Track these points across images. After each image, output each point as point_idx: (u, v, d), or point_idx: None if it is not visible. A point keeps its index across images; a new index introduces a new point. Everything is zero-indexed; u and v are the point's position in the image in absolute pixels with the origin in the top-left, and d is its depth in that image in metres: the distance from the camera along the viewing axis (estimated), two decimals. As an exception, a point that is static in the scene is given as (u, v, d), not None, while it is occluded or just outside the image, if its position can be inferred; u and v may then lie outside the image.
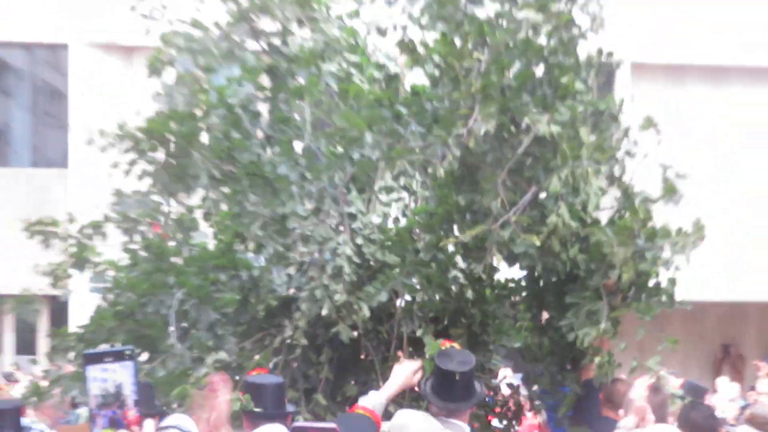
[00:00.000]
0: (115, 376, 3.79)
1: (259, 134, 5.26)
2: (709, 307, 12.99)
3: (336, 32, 5.57)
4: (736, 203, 13.67)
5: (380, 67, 5.37)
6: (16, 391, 8.95)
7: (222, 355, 4.69)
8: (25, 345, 15.04)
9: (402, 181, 5.18)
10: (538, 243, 4.38)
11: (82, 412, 6.86)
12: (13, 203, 13.77)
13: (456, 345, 4.25)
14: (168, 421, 4.25)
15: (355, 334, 4.87)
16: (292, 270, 4.81)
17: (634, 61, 12.85)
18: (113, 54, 15.38)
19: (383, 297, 4.70)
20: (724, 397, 9.56)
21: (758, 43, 13.96)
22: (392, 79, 5.29)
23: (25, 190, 14.59)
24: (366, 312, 4.67)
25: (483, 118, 4.28)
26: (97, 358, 3.97)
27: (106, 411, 3.79)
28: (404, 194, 5.20)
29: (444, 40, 4.58)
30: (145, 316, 5.23)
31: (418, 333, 4.83)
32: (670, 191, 4.70)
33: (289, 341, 5.00)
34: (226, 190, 5.12)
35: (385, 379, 4.49)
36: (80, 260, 5.35)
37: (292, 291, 4.85)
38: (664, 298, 4.83)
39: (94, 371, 3.83)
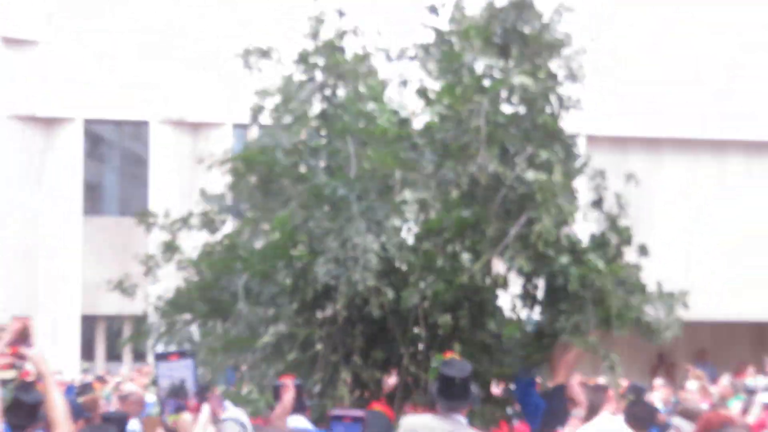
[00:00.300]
0: (179, 372, 4.28)
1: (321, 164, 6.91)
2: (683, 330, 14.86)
3: (364, 86, 7.21)
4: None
5: (395, 112, 6.82)
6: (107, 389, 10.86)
7: (280, 327, 6.13)
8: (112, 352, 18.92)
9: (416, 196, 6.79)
10: (526, 268, 5.69)
11: (154, 404, 8.03)
12: (105, 242, 17.92)
13: (456, 356, 5.10)
14: (227, 414, 4.80)
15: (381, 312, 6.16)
16: (331, 264, 6.42)
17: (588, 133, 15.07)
18: (184, 128, 18.97)
19: (415, 299, 5.92)
20: (660, 395, 10.81)
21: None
22: (404, 122, 6.72)
23: (115, 232, 18.14)
24: (390, 295, 6.01)
25: (489, 159, 5.87)
26: (165, 357, 4.57)
27: (173, 400, 4.22)
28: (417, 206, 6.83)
29: (449, 88, 5.93)
30: (219, 291, 6.60)
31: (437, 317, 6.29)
32: (642, 251, 6.20)
33: (330, 317, 6.42)
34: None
35: (405, 346, 6.11)
36: (170, 247, 7.07)
37: (332, 281, 6.49)
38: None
39: (162, 368, 4.39)
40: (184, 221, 7.10)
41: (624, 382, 8.06)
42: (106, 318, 18.50)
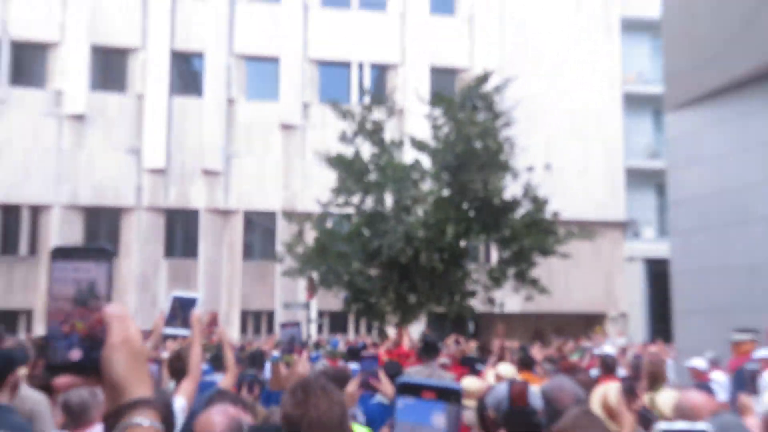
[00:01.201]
0: (291, 331, 4.52)
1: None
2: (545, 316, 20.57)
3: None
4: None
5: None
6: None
7: (356, 265, 14.23)
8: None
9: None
10: (484, 239, 14.71)
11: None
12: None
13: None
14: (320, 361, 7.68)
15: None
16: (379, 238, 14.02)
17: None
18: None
19: (423, 257, 13.94)
20: (537, 352, 14.29)
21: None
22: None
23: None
24: (409, 253, 13.66)
25: (466, 177, 14.02)
26: (284, 326, 4.74)
27: (287, 348, 4.53)
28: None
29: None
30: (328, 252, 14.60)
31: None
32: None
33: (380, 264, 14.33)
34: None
35: (422, 278, 14.01)
36: (322, 234, 15.42)
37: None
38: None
39: (283, 332, 4.63)
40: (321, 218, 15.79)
41: (516, 344, 13.42)
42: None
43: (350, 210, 15.92)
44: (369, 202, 15.31)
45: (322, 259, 14.58)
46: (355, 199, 15.43)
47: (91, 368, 1.02)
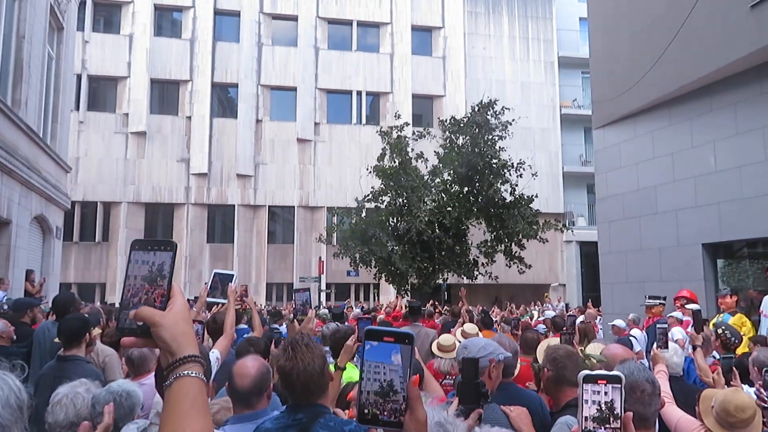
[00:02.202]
0: (302, 298, 4.31)
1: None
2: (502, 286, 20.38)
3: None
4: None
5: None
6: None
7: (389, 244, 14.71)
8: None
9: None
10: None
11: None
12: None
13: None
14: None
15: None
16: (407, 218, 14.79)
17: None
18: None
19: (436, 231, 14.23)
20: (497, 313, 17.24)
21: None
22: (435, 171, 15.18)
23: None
24: (431, 231, 14.50)
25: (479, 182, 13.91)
26: (298, 291, 4.47)
27: (300, 309, 4.30)
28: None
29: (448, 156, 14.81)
30: (369, 238, 14.97)
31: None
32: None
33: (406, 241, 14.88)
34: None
35: (439, 252, 14.34)
36: (360, 222, 15.72)
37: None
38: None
39: (297, 296, 4.43)
40: (359, 208, 16.16)
41: (479, 308, 13.65)
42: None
43: (379, 204, 16.28)
44: (397, 198, 15.90)
45: (362, 240, 14.91)
46: (386, 197, 16.02)
47: (149, 332, 1.03)
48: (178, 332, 1.02)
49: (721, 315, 7.86)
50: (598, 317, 13.29)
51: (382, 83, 26.62)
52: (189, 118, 24.75)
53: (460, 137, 15.69)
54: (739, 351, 4.90)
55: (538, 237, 15.47)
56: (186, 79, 24.93)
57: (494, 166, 15.03)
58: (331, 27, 26.80)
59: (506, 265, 16.17)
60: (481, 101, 16.10)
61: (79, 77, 22.99)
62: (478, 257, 15.89)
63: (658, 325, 4.09)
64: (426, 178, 15.49)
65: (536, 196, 16.07)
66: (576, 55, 27.05)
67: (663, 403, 2.37)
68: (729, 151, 10.55)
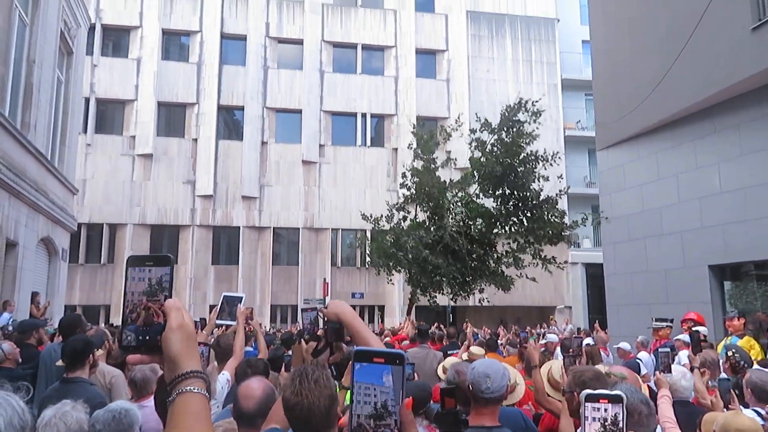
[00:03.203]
0: (308, 317, 3.99)
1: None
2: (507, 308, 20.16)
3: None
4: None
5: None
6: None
7: (424, 253, 14.47)
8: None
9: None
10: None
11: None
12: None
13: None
14: None
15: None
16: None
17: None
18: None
19: (465, 241, 14.00)
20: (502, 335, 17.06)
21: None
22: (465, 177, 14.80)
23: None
24: (461, 241, 14.09)
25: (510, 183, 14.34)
26: (305, 310, 3.82)
27: (309, 330, 3.66)
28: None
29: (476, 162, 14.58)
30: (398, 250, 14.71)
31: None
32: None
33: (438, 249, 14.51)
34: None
35: (471, 262, 14.07)
36: (393, 231, 15.48)
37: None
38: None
39: (303, 315, 3.53)
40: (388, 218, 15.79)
41: (487, 331, 13.55)
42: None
43: (406, 213, 16.21)
44: (425, 207, 15.80)
45: (398, 249, 14.79)
46: (411, 208, 16.08)
47: (154, 347, 1.04)
48: (183, 346, 1.03)
49: (729, 338, 7.79)
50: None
51: (387, 105, 26.83)
52: (195, 140, 24.96)
53: (489, 137, 15.31)
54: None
55: (564, 234, 14.99)
56: (192, 101, 25.21)
57: (527, 159, 14.69)
58: (336, 50, 27.13)
59: (516, 275, 15.75)
60: (512, 104, 15.63)
61: (87, 100, 23.27)
62: (509, 265, 15.28)
63: (660, 349, 4.06)
64: (448, 193, 15.18)
65: (565, 192, 15.58)
66: (579, 78, 27.25)
67: (657, 421, 2.36)
68: (733, 172, 10.56)
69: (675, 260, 11.76)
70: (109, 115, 25.01)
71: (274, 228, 25.00)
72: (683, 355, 6.13)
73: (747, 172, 10.29)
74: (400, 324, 13.18)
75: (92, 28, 22.52)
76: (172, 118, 25.45)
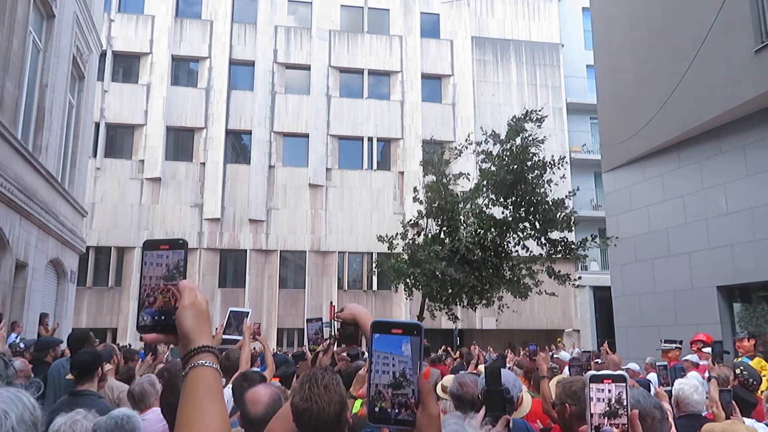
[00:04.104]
0: (314, 328, 4.22)
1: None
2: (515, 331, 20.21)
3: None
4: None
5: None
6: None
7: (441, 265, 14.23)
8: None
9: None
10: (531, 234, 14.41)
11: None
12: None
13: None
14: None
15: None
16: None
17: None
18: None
19: (478, 252, 13.95)
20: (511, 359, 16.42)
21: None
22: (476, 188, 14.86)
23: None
24: (476, 252, 14.09)
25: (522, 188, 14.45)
26: (311, 321, 4.20)
27: (313, 340, 4.12)
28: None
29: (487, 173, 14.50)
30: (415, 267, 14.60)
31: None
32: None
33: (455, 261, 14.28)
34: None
35: (486, 271, 13.92)
36: (410, 246, 15.47)
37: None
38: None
39: (308, 327, 4.16)
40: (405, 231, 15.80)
41: (490, 351, 13.45)
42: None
43: (420, 228, 16.22)
44: (438, 221, 15.74)
45: (416, 263, 14.73)
46: (424, 222, 16.10)
47: (169, 327, 1.08)
48: (195, 323, 1.07)
49: (740, 358, 7.72)
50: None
51: (393, 129, 27.06)
52: (203, 164, 25.20)
53: (498, 148, 15.38)
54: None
55: (572, 226, 14.83)
56: (201, 126, 25.53)
57: (536, 165, 14.71)
58: (343, 75, 27.49)
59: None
60: (517, 115, 15.73)
61: (97, 125, 23.61)
62: (523, 276, 15.14)
63: (657, 364, 4.07)
64: (460, 206, 15.18)
65: (574, 193, 15.40)
66: (584, 101, 27.45)
67: (671, 426, 2.35)
68: (740, 193, 10.56)
69: (683, 281, 11.70)
70: (118, 140, 25.34)
71: (280, 251, 25.05)
72: (691, 376, 6.09)
73: (754, 192, 10.29)
74: None
75: (103, 55, 22.96)
76: (180, 142, 25.75)
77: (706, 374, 5.63)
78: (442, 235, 15.29)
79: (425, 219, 15.93)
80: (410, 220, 16.39)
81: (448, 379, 4.99)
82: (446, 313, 15.52)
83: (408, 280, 15.17)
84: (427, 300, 15.42)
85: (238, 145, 26.50)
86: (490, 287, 14.82)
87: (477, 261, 14.27)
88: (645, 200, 12.99)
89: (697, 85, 10.97)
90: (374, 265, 18.22)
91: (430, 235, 15.60)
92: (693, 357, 7.38)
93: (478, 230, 14.36)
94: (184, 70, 26.55)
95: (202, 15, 26.69)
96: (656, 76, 12.28)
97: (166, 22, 25.83)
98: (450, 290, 14.78)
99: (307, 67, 26.79)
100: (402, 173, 26.34)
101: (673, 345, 8.48)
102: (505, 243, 14.74)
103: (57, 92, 11.58)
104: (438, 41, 28.40)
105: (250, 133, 25.74)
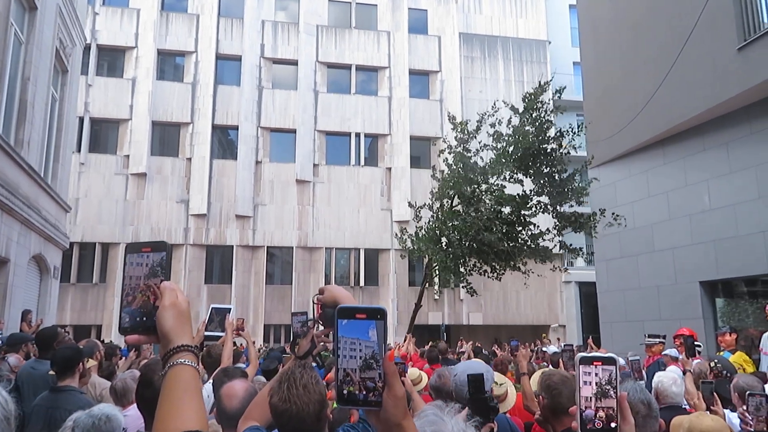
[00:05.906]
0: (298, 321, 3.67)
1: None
2: (501, 327, 20.21)
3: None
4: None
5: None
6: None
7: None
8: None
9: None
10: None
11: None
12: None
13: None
14: None
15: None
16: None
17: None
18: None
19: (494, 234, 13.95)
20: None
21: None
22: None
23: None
24: (494, 228, 14.16)
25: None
26: (296, 314, 3.73)
27: (300, 331, 3.55)
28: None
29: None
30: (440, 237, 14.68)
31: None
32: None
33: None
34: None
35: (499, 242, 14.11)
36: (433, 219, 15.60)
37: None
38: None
39: (294, 320, 3.65)
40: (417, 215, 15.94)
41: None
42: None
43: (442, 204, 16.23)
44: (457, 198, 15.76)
45: (438, 236, 14.96)
46: (443, 201, 16.10)
47: (150, 328, 1.12)
48: (176, 323, 1.10)
49: (722, 353, 7.82)
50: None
51: (381, 125, 27.05)
52: (189, 159, 25.03)
53: (515, 120, 15.44)
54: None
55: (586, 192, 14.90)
56: (187, 121, 25.34)
57: (555, 137, 14.72)
58: (331, 71, 27.41)
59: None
60: (531, 90, 15.71)
61: (81, 120, 23.35)
62: (542, 241, 15.24)
63: (630, 358, 4.13)
64: (480, 178, 15.20)
65: (589, 162, 15.34)
66: (571, 98, 27.61)
67: (662, 425, 2.38)
68: (723, 190, 10.68)
69: (667, 276, 11.83)
70: (103, 135, 25.09)
71: (267, 247, 24.97)
72: (670, 370, 6.17)
73: (736, 189, 10.42)
74: (396, 343, 12.99)
75: (87, 48, 22.70)
76: (166, 137, 25.55)
77: (681, 358, 5.71)
78: (461, 211, 15.32)
79: (442, 192, 15.91)
80: (436, 191, 16.36)
81: (411, 372, 5.03)
82: (463, 286, 15.47)
83: (432, 249, 15.27)
84: (437, 270, 15.47)
85: (224, 141, 26.35)
86: (517, 251, 14.90)
87: (498, 232, 14.42)
88: (630, 196, 13.10)
89: (681, 83, 11.08)
90: (398, 235, 18.03)
91: (451, 210, 15.62)
92: (672, 351, 7.48)
93: (497, 206, 14.54)
94: (170, 65, 26.32)
95: (188, 9, 26.47)
96: (641, 74, 12.37)
97: (151, 16, 25.57)
98: (480, 252, 14.83)
99: (295, 63, 26.68)
100: (389, 169, 26.36)
101: (657, 340, 8.58)
102: (522, 217, 14.87)
103: (39, 86, 11.42)
104: (426, 37, 28.40)
105: (236, 128, 25.60)
